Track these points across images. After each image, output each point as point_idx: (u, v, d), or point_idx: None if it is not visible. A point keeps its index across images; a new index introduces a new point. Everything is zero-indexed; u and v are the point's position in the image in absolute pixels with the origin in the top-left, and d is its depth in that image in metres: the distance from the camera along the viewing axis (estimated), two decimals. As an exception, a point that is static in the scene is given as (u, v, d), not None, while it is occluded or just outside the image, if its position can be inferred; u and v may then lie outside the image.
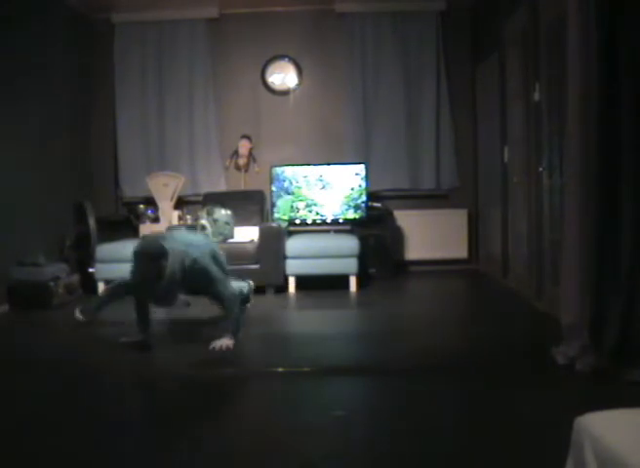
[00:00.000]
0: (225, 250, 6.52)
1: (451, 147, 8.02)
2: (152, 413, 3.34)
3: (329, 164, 7.55)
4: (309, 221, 7.47)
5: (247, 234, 6.86)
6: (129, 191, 8.17)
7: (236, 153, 7.92)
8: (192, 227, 6.68)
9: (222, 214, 6.71)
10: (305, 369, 3.97)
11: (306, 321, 5.60)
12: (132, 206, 7.85)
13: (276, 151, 8.01)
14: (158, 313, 5.57)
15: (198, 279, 4.50)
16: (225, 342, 4.36)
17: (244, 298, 5.32)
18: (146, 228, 7.42)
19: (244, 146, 7.84)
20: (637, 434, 1.64)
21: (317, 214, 7.43)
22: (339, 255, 6.68)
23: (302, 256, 6.69)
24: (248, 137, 7.86)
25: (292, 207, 7.47)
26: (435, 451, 2.71)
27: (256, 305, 5.82)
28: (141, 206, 7.63)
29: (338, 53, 8.05)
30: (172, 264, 4.19)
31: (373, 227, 7.49)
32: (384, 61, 7.93)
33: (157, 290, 4.27)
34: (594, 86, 3.61)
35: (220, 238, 6.63)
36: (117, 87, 8.11)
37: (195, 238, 4.85)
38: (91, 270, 6.76)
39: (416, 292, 6.97)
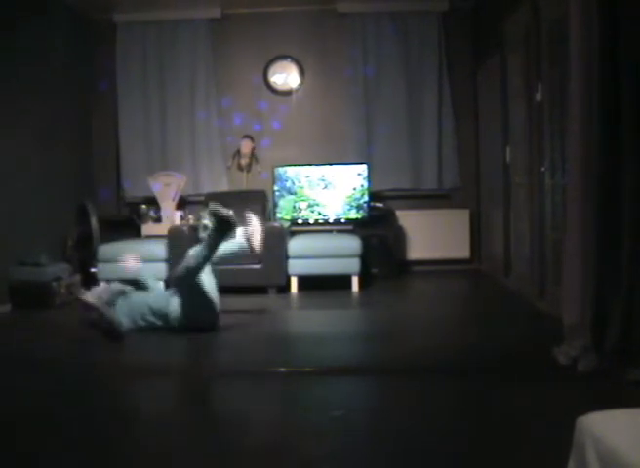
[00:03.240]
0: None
1: (453, 147, 8.02)
2: (153, 413, 3.35)
3: (331, 164, 7.55)
4: (312, 221, 7.47)
5: (246, 234, 6.86)
6: (131, 191, 8.18)
7: (238, 153, 7.93)
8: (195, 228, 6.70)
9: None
10: (307, 368, 3.97)
11: (308, 321, 5.59)
12: (134, 206, 7.86)
13: (278, 151, 8.02)
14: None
15: None
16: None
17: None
18: (149, 228, 7.42)
19: (246, 146, 7.84)
20: (639, 434, 1.64)
21: (319, 214, 7.43)
22: (341, 255, 6.68)
23: (305, 256, 6.69)
24: (250, 137, 7.87)
25: (294, 207, 7.47)
26: (436, 451, 2.71)
27: (258, 305, 5.83)
28: (144, 206, 7.64)
29: (340, 53, 8.05)
30: None
31: (375, 227, 7.49)
32: (386, 61, 7.93)
33: None
34: (596, 85, 3.61)
35: (223, 238, 6.65)
36: (119, 87, 8.12)
37: None
38: (93, 270, 6.77)
39: (418, 292, 6.97)
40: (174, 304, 4.85)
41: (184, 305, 4.80)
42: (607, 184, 3.56)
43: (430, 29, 7.91)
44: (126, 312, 4.89)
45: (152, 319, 4.91)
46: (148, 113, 8.11)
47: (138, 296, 5.07)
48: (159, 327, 4.90)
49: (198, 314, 4.85)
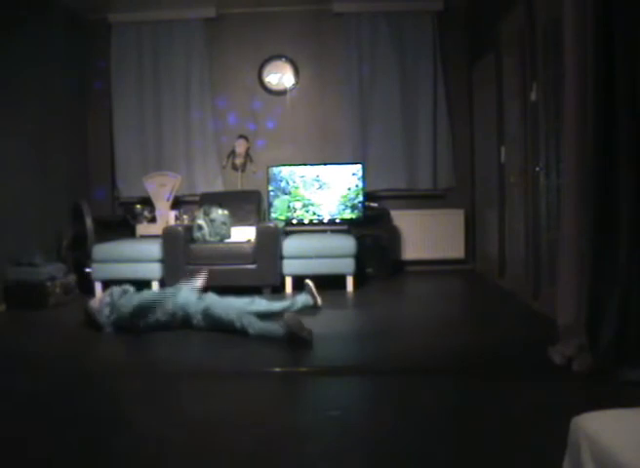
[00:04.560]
0: (222, 250, 6.56)
1: (447, 147, 8.03)
2: (152, 413, 3.34)
3: (326, 164, 7.56)
4: (306, 221, 7.47)
5: (244, 234, 6.87)
6: (125, 191, 8.17)
7: (233, 153, 7.92)
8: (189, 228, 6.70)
9: (219, 214, 6.74)
10: (302, 368, 3.97)
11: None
12: (129, 206, 7.86)
13: (273, 151, 8.02)
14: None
15: None
16: None
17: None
18: (143, 228, 7.42)
19: (241, 146, 7.83)
20: (634, 434, 1.64)
21: (314, 214, 7.43)
22: (336, 255, 6.67)
23: (299, 256, 6.68)
24: (245, 137, 7.86)
25: (289, 207, 7.47)
26: (432, 451, 2.71)
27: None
28: (138, 206, 7.63)
29: (334, 53, 8.04)
30: None
31: (370, 227, 7.49)
32: (381, 61, 7.93)
33: None
34: (591, 85, 3.61)
35: (217, 238, 6.66)
36: (114, 87, 8.10)
37: None
38: (87, 270, 6.75)
39: (412, 293, 6.97)
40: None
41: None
42: (602, 184, 3.57)
43: (425, 29, 7.91)
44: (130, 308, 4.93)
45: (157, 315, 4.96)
46: (143, 113, 8.10)
47: (146, 293, 5.23)
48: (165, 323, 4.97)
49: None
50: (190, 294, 5.11)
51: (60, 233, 7.09)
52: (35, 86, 6.74)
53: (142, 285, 6.02)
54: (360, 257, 6.86)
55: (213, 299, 5.10)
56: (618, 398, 3.09)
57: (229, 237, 6.78)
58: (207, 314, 4.89)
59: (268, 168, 7.56)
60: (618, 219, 3.50)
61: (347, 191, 7.41)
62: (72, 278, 6.59)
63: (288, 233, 7.21)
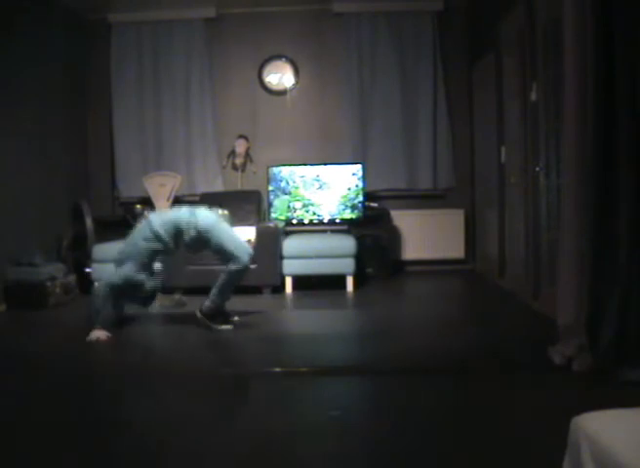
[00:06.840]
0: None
1: (447, 147, 8.02)
2: (152, 414, 3.34)
3: (326, 164, 7.55)
4: (306, 221, 7.46)
5: (244, 234, 6.85)
6: (125, 191, 8.17)
7: (233, 153, 7.92)
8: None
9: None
10: (302, 369, 3.97)
11: (303, 321, 5.59)
12: (129, 206, 7.85)
13: (273, 151, 8.01)
14: (155, 312, 5.57)
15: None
16: (96, 334, 4.62)
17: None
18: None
19: (241, 146, 7.83)
20: (634, 434, 1.64)
21: (314, 214, 7.43)
22: (336, 255, 6.67)
23: (299, 256, 6.68)
24: (245, 137, 7.86)
25: (289, 207, 7.46)
26: (433, 451, 2.71)
27: (253, 306, 5.83)
28: (138, 206, 7.62)
29: (335, 52, 8.04)
30: None
31: (370, 227, 7.49)
32: (381, 61, 7.94)
33: None
34: (591, 85, 3.61)
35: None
36: (114, 87, 8.10)
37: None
38: (87, 270, 6.75)
39: (412, 293, 6.97)
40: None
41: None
42: (602, 184, 3.56)
43: (425, 29, 7.92)
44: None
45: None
46: (143, 113, 8.10)
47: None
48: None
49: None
50: (182, 211, 5.20)
51: (60, 233, 7.09)
52: (35, 86, 6.74)
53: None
54: (360, 257, 6.86)
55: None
56: (618, 398, 3.08)
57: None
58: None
59: (268, 168, 7.56)
60: (618, 219, 3.50)
61: (347, 191, 7.40)
62: (72, 278, 6.59)
63: (288, 233, 7.21)
